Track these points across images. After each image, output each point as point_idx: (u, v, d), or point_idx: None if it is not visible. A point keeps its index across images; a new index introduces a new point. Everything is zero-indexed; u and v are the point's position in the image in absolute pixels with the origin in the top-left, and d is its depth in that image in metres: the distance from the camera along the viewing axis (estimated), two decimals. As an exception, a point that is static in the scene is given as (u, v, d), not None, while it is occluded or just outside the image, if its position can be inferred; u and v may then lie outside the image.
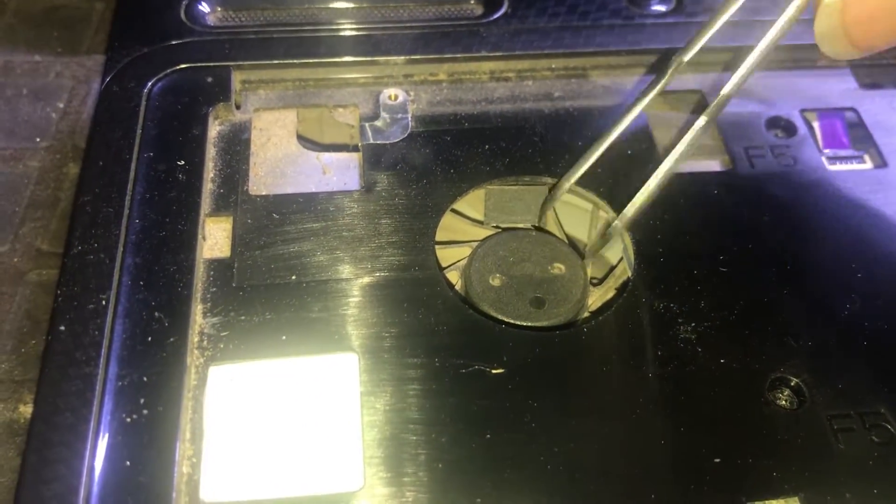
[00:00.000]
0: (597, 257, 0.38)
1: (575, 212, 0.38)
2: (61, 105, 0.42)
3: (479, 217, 0.37)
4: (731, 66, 0.41)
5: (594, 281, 0.37)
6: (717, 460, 0.29)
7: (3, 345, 0.32)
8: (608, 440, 0.29)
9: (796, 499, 0.28)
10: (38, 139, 0.40)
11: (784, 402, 0.31)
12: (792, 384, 0.31)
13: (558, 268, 0.35)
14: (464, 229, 0.37)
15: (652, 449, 0.29)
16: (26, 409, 0.31)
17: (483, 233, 0.37)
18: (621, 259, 0.36)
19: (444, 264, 0.35)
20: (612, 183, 0.36)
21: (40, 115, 0.41)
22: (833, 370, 0.31)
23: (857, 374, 0.31)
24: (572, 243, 0.36)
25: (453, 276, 0.35)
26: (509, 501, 0.28)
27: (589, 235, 0.38)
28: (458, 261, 0.36)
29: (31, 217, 0.37)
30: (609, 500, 0.28)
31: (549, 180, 0.37)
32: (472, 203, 0.37)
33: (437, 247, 0.34)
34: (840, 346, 0.32)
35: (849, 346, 0.32)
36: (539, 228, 0.37)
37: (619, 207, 0.35)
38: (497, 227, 0.37)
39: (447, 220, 0.36)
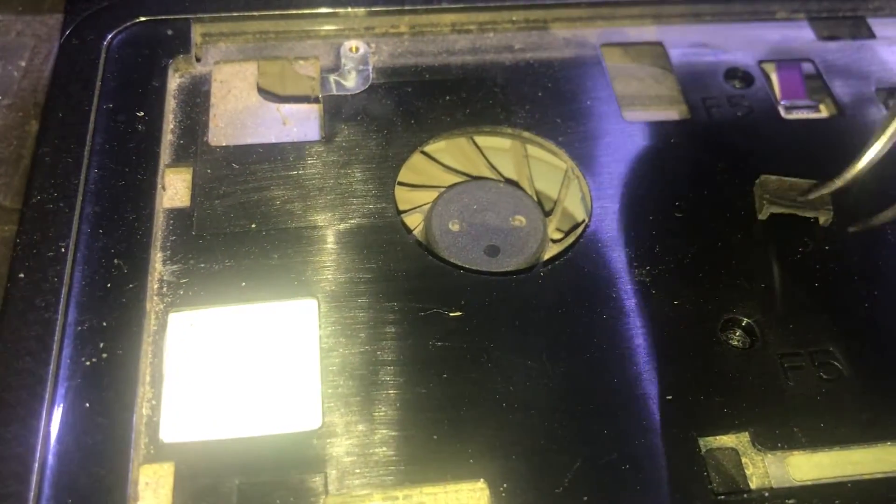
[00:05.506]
0: (563, 214, 0.38)
1: (548, 170, 0.38)
2: (23, 63, 0.41)
3: (454, 164, 0.38)
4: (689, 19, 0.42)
5: (554, 239, 0.37)
6: (669, 398, 0.30)
7: (-35, 299, 0.32)
8: (561, 379, 0.30)
9: (746, 434, 0.29)
10: (-1, 97, 0.40)
11: (736, 342, 0.32)
12: (744, 324, 0.32)
13: (519, 220, 0.35)
14: (434, 174, 0.38)
15: (604, 387, 0.30)
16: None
17: (453, 180, 0.37)
18: (583, 221, 0.36)
19: (409, 206, 0.35)
20: (571, 133, 0.37)
21: (1, 73, 0.41)
22: (784, 310, 0.32)
23: (808, 314, 0.32)
24: (539, 200, 0.37)
25: (416, 219, 0.36)
26: (465, 438, 0.28)
27: (560, 193, 0.38)
28: (423, 204, 0.36)
29: (-8, 173, 0.37)
30: (561, 437, 0.29)
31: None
32: (449, 150, 0.37)
33: (403, 188, 0.35)
34: (791, 287, 0.33)
35: (799, 287, 0.33)
36: (510, 181, 0.37)
37: (577, 157, 0.36)
38: (467, 175, 0.37)
39: (419, 162, 0.36)
